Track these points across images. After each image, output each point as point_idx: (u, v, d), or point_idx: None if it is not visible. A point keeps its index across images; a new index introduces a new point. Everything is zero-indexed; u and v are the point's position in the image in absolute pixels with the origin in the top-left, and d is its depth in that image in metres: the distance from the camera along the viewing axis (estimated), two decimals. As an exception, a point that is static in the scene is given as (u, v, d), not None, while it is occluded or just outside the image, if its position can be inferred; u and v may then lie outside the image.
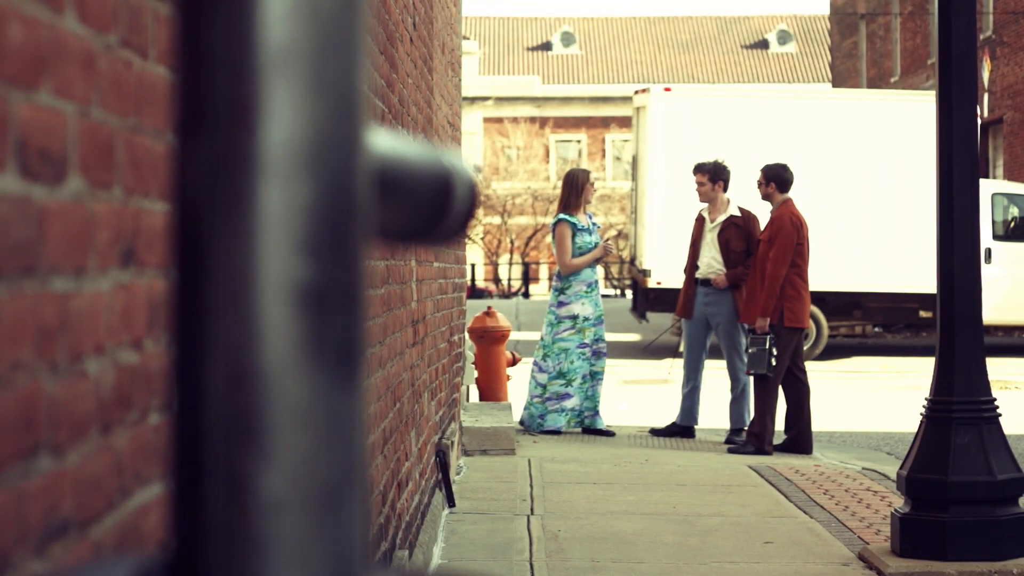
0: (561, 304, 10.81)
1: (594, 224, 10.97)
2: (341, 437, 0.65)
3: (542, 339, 10.91)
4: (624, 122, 49.65)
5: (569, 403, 10.74)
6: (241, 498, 0.64)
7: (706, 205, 10.90)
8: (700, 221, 10.95)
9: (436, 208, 0.72)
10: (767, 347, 9.93)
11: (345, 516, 0.65)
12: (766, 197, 10.33)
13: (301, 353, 0.64)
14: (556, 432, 10.77)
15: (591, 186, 10.85)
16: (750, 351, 10.00)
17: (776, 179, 10.28)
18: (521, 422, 11.02)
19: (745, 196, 11.57)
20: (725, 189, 10.78)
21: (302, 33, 0.66)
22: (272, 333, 0.64)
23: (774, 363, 9.96)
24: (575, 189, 10.82)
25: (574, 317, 10.77)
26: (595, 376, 10.82)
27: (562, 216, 10.80)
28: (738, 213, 10.76)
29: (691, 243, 10.96)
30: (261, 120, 0.65)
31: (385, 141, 0.71)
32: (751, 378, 10.34)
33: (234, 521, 0.64)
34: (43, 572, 1.41)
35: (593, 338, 10.79)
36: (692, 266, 10.88)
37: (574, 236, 10.73)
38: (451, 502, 7.48)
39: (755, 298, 10.16)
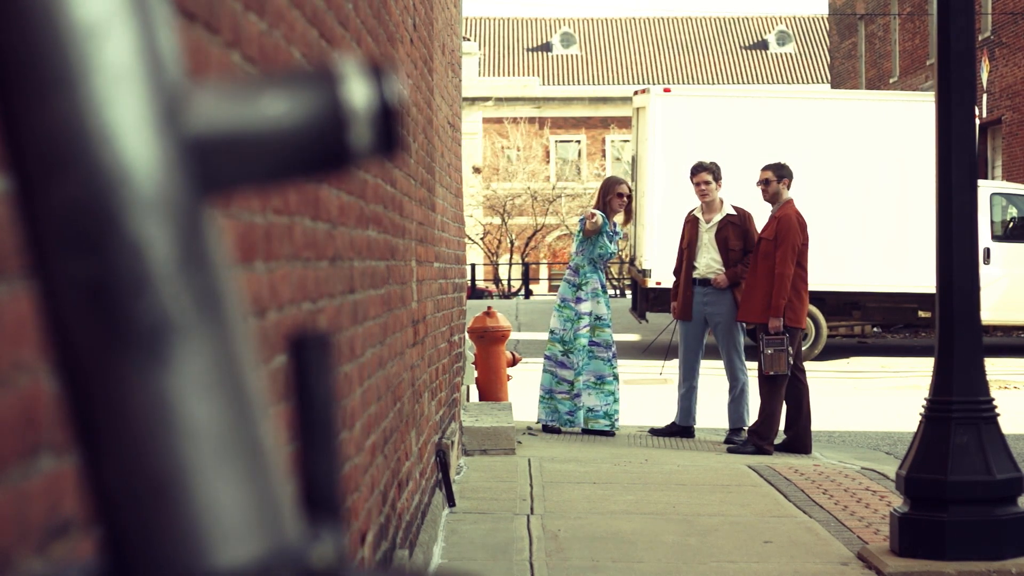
0: (579, 300, 10.83)
1: (616, 233, 10.93)
2: (155, 425, 0.64)
3: (559, 334, 10.84)
4: (624, 123, 49.63)
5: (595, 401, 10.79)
6: (91, 498, 0.65)
7: (697, 206, 10.87)
8: (693, 222, 10.88)
9: (325, 141, 0.69)
10: (785, 347, 9.94)
11: (185, 505, 0.64)
12: (774, 195, 10.26)
13: (97, 346, 0.64)
14: (562, 431, 10.82)
15: (616, 197, 10.83)
16: (767, 352, 9.96)
17: (787, 175, 10.28)
18: (544, 422, 10.94)
19: (744, 197, 11.55)
20: (719, 187, 10.81)
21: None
22: (66, 329, 0.65)
23: (792, 362, 9.98)
24: (601, 194, 10.93)
25: (589, 314, 10.80)
26: (616, 378, 10.90)
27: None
28: (733, 212, 10.75)
29: (686, 246, 10.85)
30: (14, 118, 0.64)
31: (217, 101, 0.68)
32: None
33: (96, 519, 0.66)
34: None
35: (607, 338, 10.83)
36: (689, 268, 10.82)
37: (599, 235, 10.74)
38: (451, 502, 7.49)
39: (754, 294, 10.14)
